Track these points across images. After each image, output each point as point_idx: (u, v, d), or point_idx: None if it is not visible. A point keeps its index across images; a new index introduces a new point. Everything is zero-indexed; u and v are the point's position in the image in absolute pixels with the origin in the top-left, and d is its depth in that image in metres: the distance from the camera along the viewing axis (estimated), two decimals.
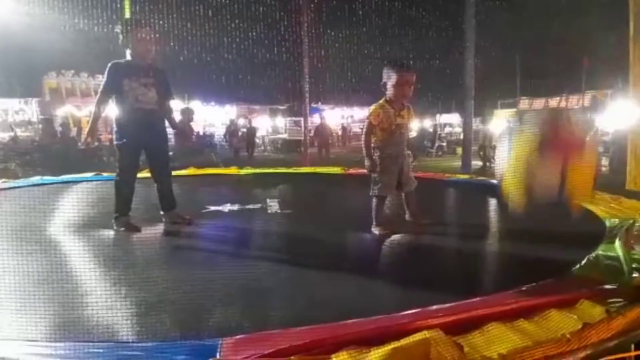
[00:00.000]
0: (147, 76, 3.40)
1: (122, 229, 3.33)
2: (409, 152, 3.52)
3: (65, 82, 21.96)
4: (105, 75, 3.43)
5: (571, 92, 18.68)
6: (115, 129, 3.46)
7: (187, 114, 7.73)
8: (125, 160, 3.46)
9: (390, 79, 3.29)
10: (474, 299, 1.94)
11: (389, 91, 3.32)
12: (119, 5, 8.20)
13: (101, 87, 3.51)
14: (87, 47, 11.57)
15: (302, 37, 10.51)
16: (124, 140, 3.42)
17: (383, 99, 3.36)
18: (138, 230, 3.35)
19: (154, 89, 3.41)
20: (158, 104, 3.45)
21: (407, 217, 3.52)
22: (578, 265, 2.39)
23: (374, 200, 3.32)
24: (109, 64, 3.42)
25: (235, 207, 4.28)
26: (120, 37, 3.47)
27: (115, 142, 3.50)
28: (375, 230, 3.23)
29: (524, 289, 2.04)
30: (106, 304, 2.10)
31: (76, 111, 21.02)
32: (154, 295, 2.19)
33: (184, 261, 2.84)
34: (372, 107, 3.36)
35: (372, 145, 3.35)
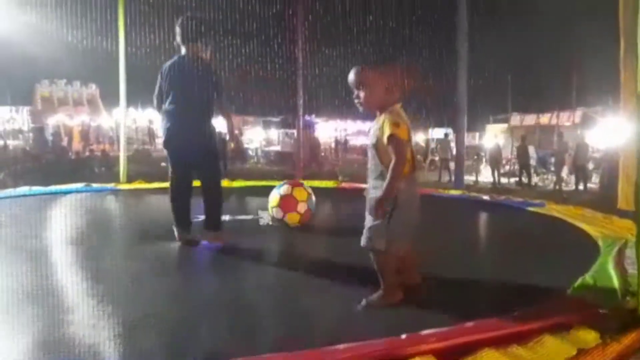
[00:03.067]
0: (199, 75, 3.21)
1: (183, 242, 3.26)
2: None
3: (57, 91, 21.86)
4: (159, 77, 3.28)
5: (562, 109, 18.89)
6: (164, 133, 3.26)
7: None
8: (176, 169, 3.29)
9: (399, 78, 2.37)
10: (467, 324, 1.91)
11: (395, 96, 2.33)
12: (113, 16, 8.19)
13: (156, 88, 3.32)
14: (81, 56, 11.54)
15: (297, 50, 10.55)
16: (172, 147, 3.25)
17: (398, 104, 2.32)
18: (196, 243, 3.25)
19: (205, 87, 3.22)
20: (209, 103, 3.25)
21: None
22: (572, 288, 2.36)
23: (380, 258, 2.28)
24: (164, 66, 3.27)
25: (226, 217, 4.25)
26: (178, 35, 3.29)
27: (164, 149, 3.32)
28: (383, 302, 2.27)
29: (516, 313, 2.01)
30: (90, 320, 2.04)
31: (68, 120, 20.89)
32: (140, 313, 2.14)
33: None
34: (391, 115, 2.25)
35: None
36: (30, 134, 16.98)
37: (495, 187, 11.96)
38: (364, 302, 2.26)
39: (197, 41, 3.22)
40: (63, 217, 4.48)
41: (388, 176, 2.17)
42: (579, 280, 2.45)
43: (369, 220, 2.27)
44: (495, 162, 13.48)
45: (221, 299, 2.34)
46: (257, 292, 2.49)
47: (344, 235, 3.56)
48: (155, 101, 3.31)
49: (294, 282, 2.67)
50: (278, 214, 3.96)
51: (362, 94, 2.32)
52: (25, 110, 20.19)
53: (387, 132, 2.18)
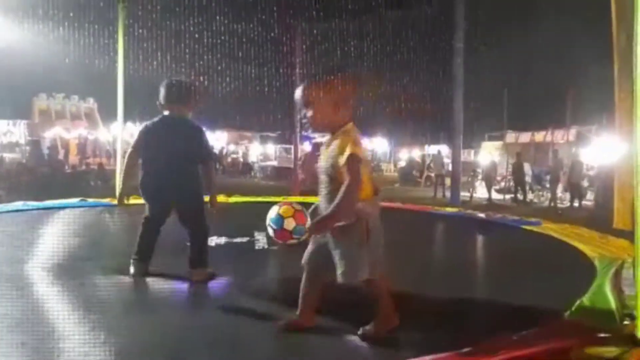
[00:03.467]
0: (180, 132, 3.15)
1: (138, 275, 3.09)
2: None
3: (55, 105, 21.90)
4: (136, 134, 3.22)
5: (557, 127, 19.03)
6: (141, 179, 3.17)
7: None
8: (152, 209, 3.19)
9: (352, 92, 2.19)
10: (462, 350, 1.89)
11: (348, 113, 2.16)
12: (112, 31, 8.26)
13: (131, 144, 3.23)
14: (79, 71, 11.58)
15: (295, 67, 10.65)
16: (147, 193, 3.15)
17: (350, 123, 2.16)
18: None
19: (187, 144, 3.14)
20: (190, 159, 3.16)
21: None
22: (569, 311, 2.36)
23: (370, 287, 2.14)
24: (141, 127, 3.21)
25: (222, 240, 4.21)
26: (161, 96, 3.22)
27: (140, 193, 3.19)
28: (380, 331, 2.16)
29: (514, 337, 2.00)
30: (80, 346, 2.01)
31: (65, 134, 20.88)
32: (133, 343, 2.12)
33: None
34: (348, 135, 2.09)
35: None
36: (27, 147, 16.95)
37: (491, 204, 11.99)
38: (360, 332, 2.16)
39: (181, 103, 3.17)
40: (56, 235, 4.44)
41: (340, 194, 1.98)
42: (577, 303, 2.44)
43: (340, 253, 2.05)
44: (490, 178, 13.55)
45: (215, 334, 2.22)
46: (251, 327, 2.35)
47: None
48: (129, 154, 3.21)
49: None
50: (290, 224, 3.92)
51: (309, 113, 2.14)
52: (22, 124, 20.18)
53: (347, 151, 2.00)
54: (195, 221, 3.15)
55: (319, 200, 2.18)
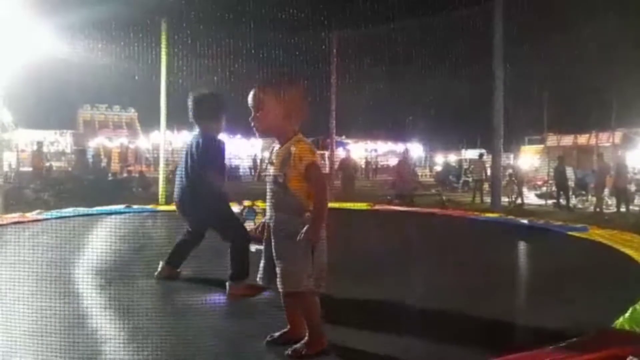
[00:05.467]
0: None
1: (160, 277, 3.19)
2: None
3: (98, 115, 22.88)
4: None
5: (601, 129, 18.34)
6: None
7: None
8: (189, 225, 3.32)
9: (299, 100, 2.18)
10: (511, 356, 1.86)
11: (297, 121, 2.18)
12: (153, 43, 8.58)
13: None
14: (121, 82, 12.04)
15: (330, 73, 10.74)
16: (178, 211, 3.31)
17: (300, 133, 2.17)
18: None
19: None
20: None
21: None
22: (620, 319, 2.27)
23: (307, 300, 2.07)
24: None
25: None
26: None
27: None
28: (311, 351, 2.05)
29: (562, 344, 1.94)
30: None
31: (108, 142, 21.75)
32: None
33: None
34: (302, 143, 2.09)
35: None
36: (73, 156, 17.72)
37: (533, 209, 11.65)
38: (289, 352, 2.03)
39: (208, 120, 3.20)
40: (104, 240, 4.61)
41: (316, 208, 2.02)
42: (629, 311, 2.35)
43: (282, 262, 2.03)
44: (520, 182, 13.26)
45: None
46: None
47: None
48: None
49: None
50: None
51: (259, 117, 2.13)
52: (68, 134, 21.19)
53: (306, 160, 2.02)
54: (225, 234, 3.13)
55: (267, 207, 2.15)
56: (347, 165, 12.90)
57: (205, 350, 2.07)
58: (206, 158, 3.14)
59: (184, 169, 3.19)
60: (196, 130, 3.27)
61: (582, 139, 19.21)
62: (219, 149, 3.23)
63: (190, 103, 3.24)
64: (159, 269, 3.22)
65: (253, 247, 3.65)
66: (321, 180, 2.08)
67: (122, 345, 2.13)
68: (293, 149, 2.06)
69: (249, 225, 3.99)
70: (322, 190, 2.05)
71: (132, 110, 24.16)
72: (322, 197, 2.05)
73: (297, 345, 2.05)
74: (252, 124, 2.16)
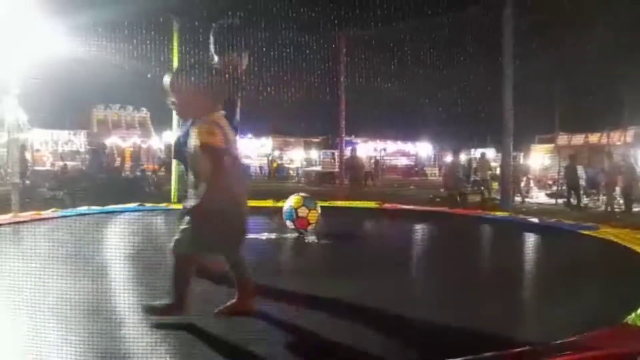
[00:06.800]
0: None
1: None
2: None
3: (111, 115, 23.14)
4: None
5: (613, 128, 18.11)
6: None
7: None
8: None
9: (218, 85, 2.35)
10: (523, 349, 1.89)
11: (209, 101, 2.31)
12: (166, 41, 8.66)
13: None
14: (134, 82, 12.17)
15: (339, 73, 10.75)
16: None
17: (217, 113, 2.29)
18: None
19: None
20: None
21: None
22: (632, 316, 2.28)
23: (179, 263, 2.26)
24: None
25: (273, 235, 4.45)
26: None
27: None
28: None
29: (573, 340, 1.96)
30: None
31: (121, 142, 21.99)
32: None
33: None
34: (205, 123, 2.21)
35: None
36: (87, 156, 17.95)
37: (543, 208, 11.58)
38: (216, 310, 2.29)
39: (230, 51, 3.04)
40: (117, 236, 4.72)
41: (205, 185, 2.13)
42: None
43: (180, 230, 2.26)
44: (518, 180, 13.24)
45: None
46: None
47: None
48: None
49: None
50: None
51: (175, 100, 2.28)
52: (82, 133, 21.47)
53: (200, 140, 2.13)
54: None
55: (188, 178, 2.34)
56: (354, 165, 12.90)
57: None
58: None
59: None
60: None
61: (594, 138, 18.99)
62: None
63: (214, 32, 3.15)
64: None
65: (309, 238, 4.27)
66: (214, 162, 2.12)
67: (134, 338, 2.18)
68: (195, 128, 2.22)
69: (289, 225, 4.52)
70: (213, 172, 2.11)
71: (145, 110, 24.43)
72: (211, 178, 2.11)
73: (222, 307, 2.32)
74: (171, 107, 2.34)
